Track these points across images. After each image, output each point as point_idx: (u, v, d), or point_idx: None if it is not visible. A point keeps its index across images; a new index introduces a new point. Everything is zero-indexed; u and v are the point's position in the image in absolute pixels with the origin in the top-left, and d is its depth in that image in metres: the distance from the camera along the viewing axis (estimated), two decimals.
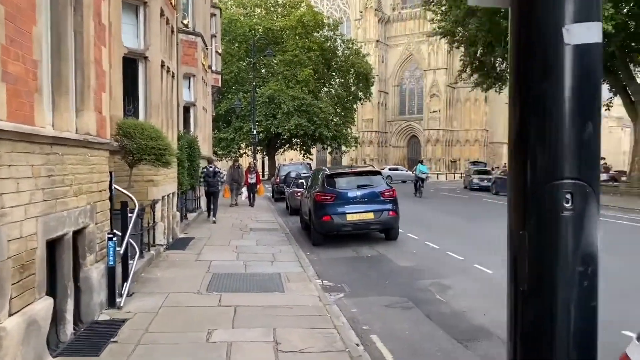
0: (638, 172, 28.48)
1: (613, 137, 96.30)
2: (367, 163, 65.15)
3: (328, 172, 11.46)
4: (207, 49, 19.32)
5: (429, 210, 19.22)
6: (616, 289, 7.18)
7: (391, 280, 8.12)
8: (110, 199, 6.75)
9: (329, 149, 48.93)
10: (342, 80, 47.50)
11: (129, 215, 6.85)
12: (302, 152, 48.88)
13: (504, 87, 38.53)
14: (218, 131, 42.35)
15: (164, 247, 10.04)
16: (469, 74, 35.92)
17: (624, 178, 33.24)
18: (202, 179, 15.74)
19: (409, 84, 69.64)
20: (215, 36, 23.63)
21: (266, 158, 50.07)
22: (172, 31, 11.97)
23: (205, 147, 18.82)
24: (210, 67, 21.95)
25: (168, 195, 11.05)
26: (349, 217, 10.80)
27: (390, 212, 11.00)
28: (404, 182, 43.79)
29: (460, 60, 38.88)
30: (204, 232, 12.82)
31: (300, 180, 19.47)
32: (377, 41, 67.16)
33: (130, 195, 7.04)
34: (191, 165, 15.00)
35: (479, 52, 31.85)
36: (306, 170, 28.13)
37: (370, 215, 10.86)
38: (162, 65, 10.57)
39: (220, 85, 25.54)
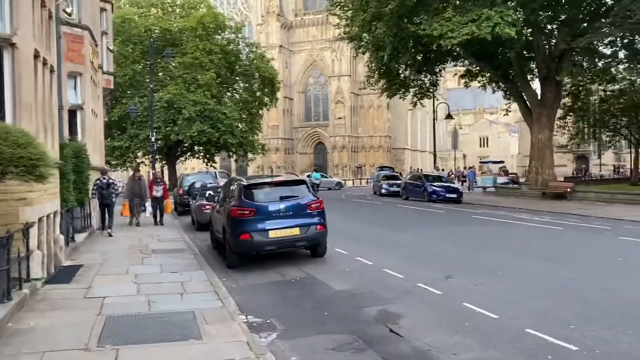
0: (535, 174, 29.77)
1: (502, 141, 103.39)
2: (274, 171, 63.86)
3: (245, 183, 9.96)
4: (96, 45, 17.02)
5: (348, 219, 18.28)
6: (589, 310, 6.44)
7: (330, 310, 6.84)
8: None
9: (234, 157, 47.00)
10: (247, 85, 45.79)
11: None
12: (206, 160, 46.44)
13: (407, 93, 39.28)
14: (111, 139, 38.85)
15: (43, 281, 8.02)
16: (376, 79, 35.96)
17: (522, 180, 34.84)
18: (94, 192, 14.88)
19: (314, 90, 69.46)
20: (106, 33, 21.16)
21: (166, 167, 46.96)
22: (50, 17, 9.89)
23: (96, 157, 16.51)
24: (100, 66, 19.54)
25: (47, 216, 8.99)
26: (272, 234, 9.40)
27: (318, 227, 9.76)
28: (329, 189, 43.23)
29: (367, 65, 38.97)
30: (96, 257, 10.78)
31: (208, 192, 17.74)
32: (281, 47, 66.24)
33: None
34: (79, 178, 12.86)
35: (385, 58, 31.75)
36: (212, 180, 26.18)
37: (296, 231, 9.54)
38: (37, 57, 8.55)
39: (112, 87, 22.98)
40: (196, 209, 16.58)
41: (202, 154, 45.66)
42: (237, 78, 45.83)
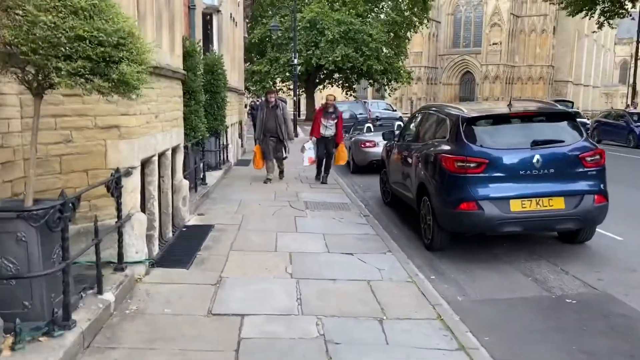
0: None
1: None
2: (414, 103, 58.68)
3: (466, 114, 5.90)
4: None
5: None
6: None
7: None
8: None
9: (376, 86, 42.83)
10: (394, 3, 40.55)
11: None
12: (344, 88, 42.97)
13: (594, 10, 31.87)
14: (251, 63, 36.72)
15: (148, 264, 4.92)
16: None
17: None
18: (248, 113, 17.30)
19: (465, 12, 61.51)
20: None
21: (303, 96, 44.22)
22: None
23: (234, 76, 13.45)
24: None
25: (163, 154, 5.85)
26: (516, 206, 5.38)
27: (597, 197, 5.52)
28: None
29: None
30: (231, 211, 7.67)
31: (367, 125, 14.08)
32: None
33: None
34: (212, 100, 9.78)
35: None
36: (363, 110, 22.53)
37: (559, 203, 5.41)
38: None
39: None
40: (352, 146, 12.95)
41: (341, 82, 42.27)
42: None
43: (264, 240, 6.18)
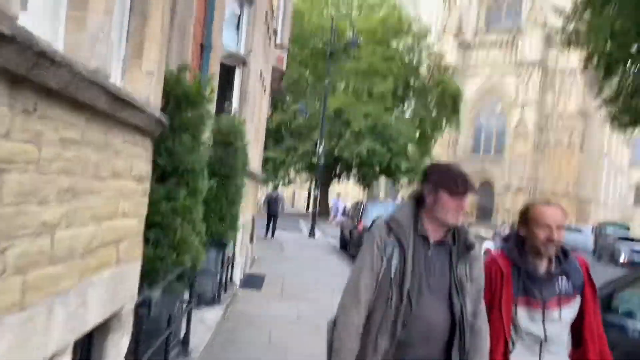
0: None
1: None
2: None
3: None
4: None
5: None
6: None
7: None
8: None
9: (398, 185, 39.39)
10: (422, 100, 38.14)
11: None
12: (362, 184, 39.60)
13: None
14: (265, 149, 33.47)
15: None
16: (612, 98, 26.13)
17: None
18: (264, 202, 17.63)
19: (487, 121, 59.64)
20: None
21: (317, 190, 40.49)
22: None
23: (255, 156, 9.62)
24: (275, 31, 12.99)
25: None
26: None
27: None
28: None
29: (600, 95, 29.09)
30: None
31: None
32: (454, 68, 57.92)
33: None
34: (222, 188, 5.83)
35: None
36: None
37: None
38: None
39: (284, 68, 16.45)
40: None
41: (358, 176, 38.85)
42: (411, 93, 38.54)
43: None
